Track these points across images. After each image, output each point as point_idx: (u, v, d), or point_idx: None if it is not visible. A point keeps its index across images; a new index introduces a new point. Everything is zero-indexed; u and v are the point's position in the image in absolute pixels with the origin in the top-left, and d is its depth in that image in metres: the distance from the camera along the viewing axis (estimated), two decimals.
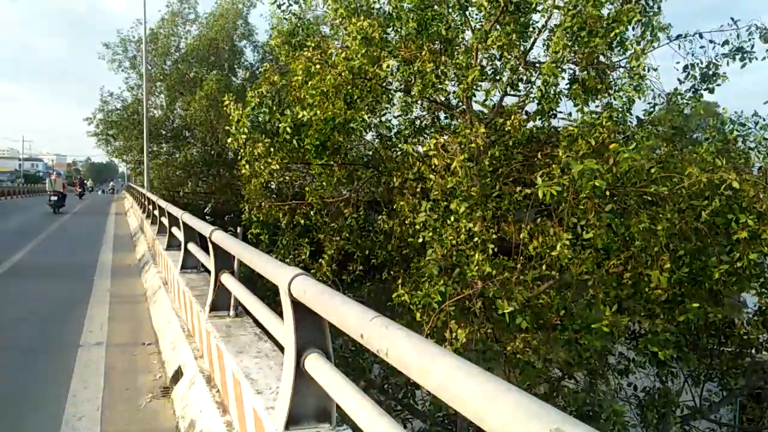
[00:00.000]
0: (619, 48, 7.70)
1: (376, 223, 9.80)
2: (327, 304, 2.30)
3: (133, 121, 27.76)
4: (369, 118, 9.26)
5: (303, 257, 9.28)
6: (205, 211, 27.87)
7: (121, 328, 6.30)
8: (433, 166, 6.67)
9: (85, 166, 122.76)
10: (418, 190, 7.98)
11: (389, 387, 10.70)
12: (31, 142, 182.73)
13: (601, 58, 7.76)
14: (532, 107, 8.78)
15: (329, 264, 8.92)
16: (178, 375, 4.49)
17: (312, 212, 9.39)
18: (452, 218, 6.38)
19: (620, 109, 7.53)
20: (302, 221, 9.42)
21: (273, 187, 11.74)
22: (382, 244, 9.61)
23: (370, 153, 12.32)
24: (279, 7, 10.51)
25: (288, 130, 8.42)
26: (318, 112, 8.23)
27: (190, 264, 6.56)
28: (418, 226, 6.90)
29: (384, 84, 8.83)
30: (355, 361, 10.42)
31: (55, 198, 24.85)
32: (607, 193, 6.05)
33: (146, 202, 15.06)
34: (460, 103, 9.15)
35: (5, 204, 33.36)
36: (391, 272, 9.20)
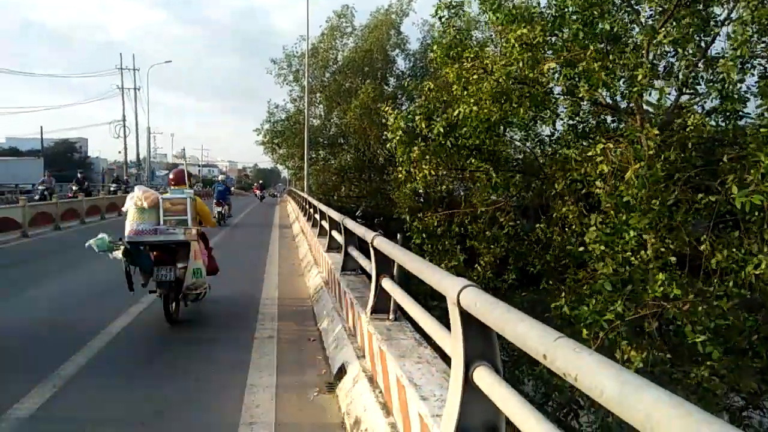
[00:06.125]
0: None
1: (531, 231, 9.45)
2: (501, 318, 2.24)
3: (295, 130, 30.14)
4: (528, 117, 8.96)
5: (456, 264, 9.26)
6: (357, 214, 29.27)
7: (289, 324, 6.80)
8: (600, 171, 6.24)
9: (253, 172, 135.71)
10: (582, 194, 7.51)
11: (549, 405, 10.20)
12: (209, 150, 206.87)
13: None
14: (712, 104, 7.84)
15: (485, 271, 8.78)
16: (342, 372, 4.73)
17: (467, 220, 9.31)
18: (631, 233, 5.85)
19: None
20: (458, 229, 9.39)
21: (421, 192, 11.85)
22: (540, 253, 9.23)
23: (521, 158, 11.94)
24: (440, 19, 10.55)
25: (441, 130, 8.47)
26: (474, 108, 8.13)
27: (349, 266, 6.89)
28: (588, 241, 6.46)
29: (544, 89, 8.50)
30: (509, 371, 10.10)
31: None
32: None
33: (307, 206, 16.17)
34: (629, 105, 8.48)
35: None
36: (549, 282, 8.79)
